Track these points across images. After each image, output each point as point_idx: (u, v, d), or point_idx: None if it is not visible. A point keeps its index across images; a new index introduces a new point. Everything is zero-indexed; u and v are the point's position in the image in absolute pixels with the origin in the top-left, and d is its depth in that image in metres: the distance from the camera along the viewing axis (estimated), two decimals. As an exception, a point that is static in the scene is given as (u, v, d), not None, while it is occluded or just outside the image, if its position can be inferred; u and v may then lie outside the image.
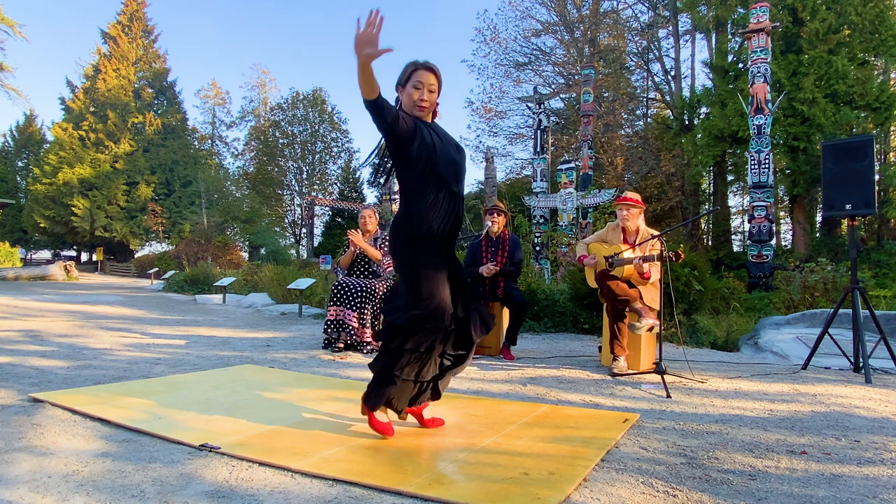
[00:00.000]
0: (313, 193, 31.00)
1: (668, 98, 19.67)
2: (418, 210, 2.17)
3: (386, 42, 1.88)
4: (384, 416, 2.28)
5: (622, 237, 4.17)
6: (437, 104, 2.30)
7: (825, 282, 7.12)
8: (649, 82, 21.37)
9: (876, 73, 14.19)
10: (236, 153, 37.23)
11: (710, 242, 18.66)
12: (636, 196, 4.18)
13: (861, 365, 3.94)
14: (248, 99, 46.84)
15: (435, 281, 2.16)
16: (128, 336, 5.43)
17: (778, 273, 9.22)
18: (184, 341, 5.17)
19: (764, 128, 10.07)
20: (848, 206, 4.09)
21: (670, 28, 19.10)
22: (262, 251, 23.56)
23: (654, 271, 3.94)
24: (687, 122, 17.55)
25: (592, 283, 4.34)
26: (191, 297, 12.66)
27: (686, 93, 18.12)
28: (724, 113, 14.11)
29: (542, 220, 13.84)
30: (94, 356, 4.08)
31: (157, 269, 21.02)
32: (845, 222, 11.91)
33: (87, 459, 1.88)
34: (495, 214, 4.77)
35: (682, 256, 3.71)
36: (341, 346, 4.69)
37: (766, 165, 9.98)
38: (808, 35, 12.83)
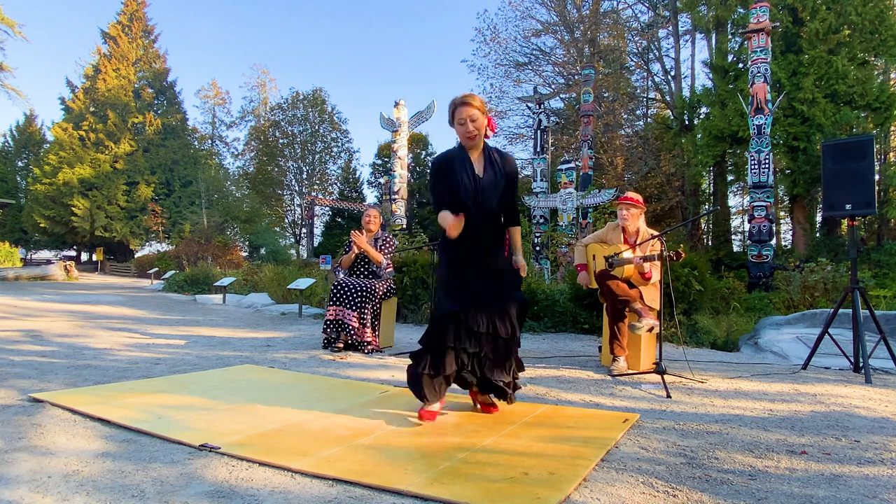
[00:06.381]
0: (313, 193, 30.97)
1: (668, 98, 19.65)
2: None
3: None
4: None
5: (622, 237, 4.17)
6: (492, 121, 2.61)
7: (825, 282, 7.13)
8: (649, 82, 21.36)
9: (876, 73, 14.16)
10: (236, 153, 37.23)
11: (710, 242, 18.65)
12: (637, 196, 4.17)
13: (861, 365, 3.94)
14: (248, 99, 46.88)
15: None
16: (128, 336, 5.43)
17: (778, 273, 9.22)
18: (184, 341, 5.17)
19: (764, 128, 10.07)
20: (848, 206, 4.09)
21: (670, 28, 19.09)
22: (262, 251, 23.57)
23: (655, 271, 3.94)
24: (687, 122, 17.53)
25: (591, 284, 4.34)
26: (191, 297, 12.66)
27: (686, 93, 18.11)
28: (724, 113, 14.11)
29: (542, 220, 13.86)
30: (94, 356, 4.08)
31: (157, 269, 21.02)
32: (845, 222, 11.90)
33: (87, 459, 1.88)
34: None
35: (683, 255, 3.70)
36: (341, 345, 4.68)
37: (766, 165, 9.99)
38: (808, 35, 12.82)
